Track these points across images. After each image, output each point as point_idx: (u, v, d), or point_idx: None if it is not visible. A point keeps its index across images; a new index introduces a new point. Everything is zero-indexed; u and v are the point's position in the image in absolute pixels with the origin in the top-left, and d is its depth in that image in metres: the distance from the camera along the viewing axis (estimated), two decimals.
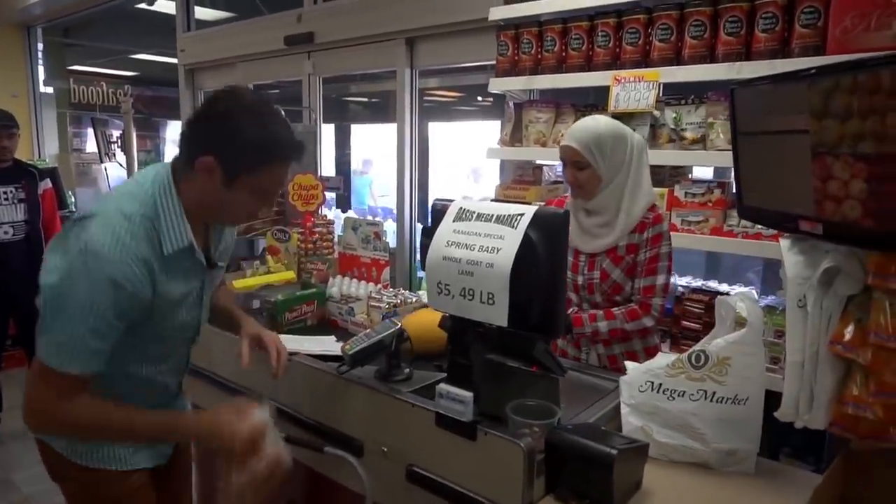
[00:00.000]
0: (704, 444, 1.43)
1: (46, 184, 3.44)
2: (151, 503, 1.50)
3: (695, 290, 2.49)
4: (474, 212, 1.39)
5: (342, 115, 7.50)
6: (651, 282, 1.84)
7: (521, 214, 1.31)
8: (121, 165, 4.68)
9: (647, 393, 1.49)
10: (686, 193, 2.25)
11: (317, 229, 2.57)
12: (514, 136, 2.73)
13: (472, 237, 1.35)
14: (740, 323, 1.44)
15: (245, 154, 1.23)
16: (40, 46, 7.02)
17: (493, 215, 1.35)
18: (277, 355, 1.58)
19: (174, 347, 1.47)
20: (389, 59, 3.46)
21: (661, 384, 1.47)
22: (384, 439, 1.56)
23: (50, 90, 7.14)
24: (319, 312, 2.29)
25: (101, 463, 1.41)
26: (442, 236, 1.39)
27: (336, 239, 2.66)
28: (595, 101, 2.55)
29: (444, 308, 1.40)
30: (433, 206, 1.49)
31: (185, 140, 1.28)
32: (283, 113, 1.30)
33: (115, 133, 4.95)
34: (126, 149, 4.35)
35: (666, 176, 2.45)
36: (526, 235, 1.29)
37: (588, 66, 2.40)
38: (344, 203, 6.63)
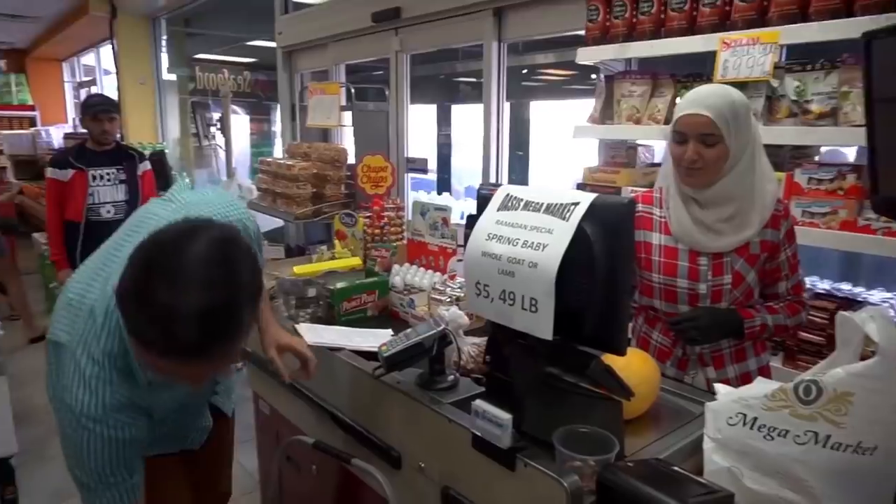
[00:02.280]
0: (812, 500, 1.12)
1: (146, 165, 3.58)
2: (177, 478, 1.49)
3: (819, 295, 2.09)
4: (522, 199, 1.17)
5: (447, 95, 7.33)
6: (797, 279, 1.64)
7: (576, 204, 1.08)
8: (219, 147, 4.84)
9: (737, 427, 1.19)
10: (810, 179, 1.86)
11: (386, 213, 2.43)
12: (605, 113, 2.43)
13: (517, 230, 1.13)
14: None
15: (120, 304, 0.99)
16: (164, 37, 7.49)
17: (542, 204, 1.13)
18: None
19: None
20: (476, 32, 3.24)
21: (756, 418, 1.17)
22: (421, 454, 1.39)
23: (173, 77, 7.61)
24: (382, 303, 2.16)
25: None
26: (483, 228, 1.18)
27: (406, 224, 2.51)
28: (700, 70, 2.19)
29: (482, 312, 1.19)
30: (478, 191, 1.28)
31: None
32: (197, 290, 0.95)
33: (216, 116, 5.12)
34: (224, 131, 4.47)
35: (786, 158, 2.05)
36: (580, 230, 1.05)
37: (691, 29, 2.05)
38: (445, 186, 6.51)
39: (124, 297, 0.97)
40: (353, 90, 3.14)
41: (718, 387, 1.30)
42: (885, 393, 1.07)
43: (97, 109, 3.31)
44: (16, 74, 10.27)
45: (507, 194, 1.19)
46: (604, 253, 1.05)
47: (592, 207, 1.06)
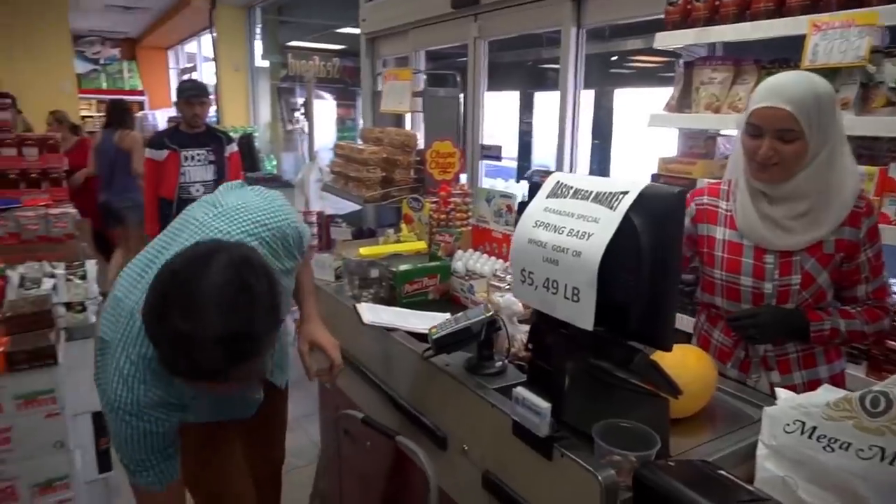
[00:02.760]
0: None
1: (233, 147, 3.78)
2: (230, 444, 1.55)
3: None
4: (572, 187, 1.15)
5: (531, 82, 7.24)
6: (880, 282, 1.50)
7: (624, 193, 1.04)
8: (303, 131, 5.01)
9: (794, 435, 1.13)
10: None
11: (452, 199, 2.45)
12: (683, 101, 2.32)
13: (564, 218, 1.11)
14: None
15: (146, 331, 1.09)
16: (259, 25, 7.82)
17: (591, 192, 1.10)
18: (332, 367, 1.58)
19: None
20: (555, 17, 3.18)
21: (815, 427, 1.10)
22: (465, 437, 1.41)
23: (265, 64, 7.95)
24: (443, 287, 2.18)
25: None
26: (531, 215, 1.17)
27: (472, 210, 2.52)
28: (789, 55, 2.04)
29: (527, 299, 1.19)
30: (530, 177, 1.27)
31: None
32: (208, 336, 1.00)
33: (300, 101, 5.31)
34: (307, 115, 4.62)
35: (882, 151, 1.89)
36: (627, 220, 1.02)
37: (779, 11, 1.91)
38: (524, 174, 6.44)
39: (147, 325, 1.06)
40: (425, 76, 3.16)
41: (779, 391, 1.23)
42: None
43: (189, 94, 3.53)
44: (128, 62, 11.12)
45: (557, 181, 1.17)
46: (651, 244, 1.01)
47: (641, 197, 1.02)
